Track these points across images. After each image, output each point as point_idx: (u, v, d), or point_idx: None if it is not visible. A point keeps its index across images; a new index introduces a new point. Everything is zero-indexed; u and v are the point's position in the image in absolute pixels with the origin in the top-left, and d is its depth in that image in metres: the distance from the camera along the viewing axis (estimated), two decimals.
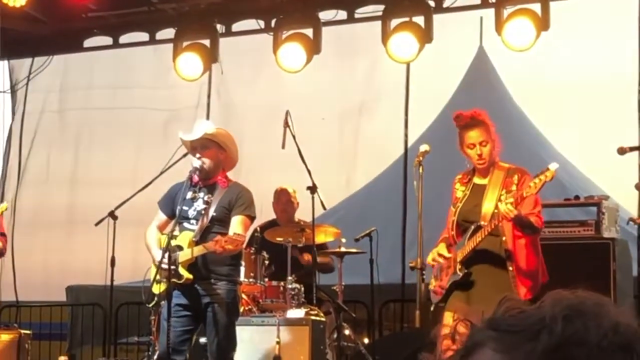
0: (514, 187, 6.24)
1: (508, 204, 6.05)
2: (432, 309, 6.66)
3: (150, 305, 7.24)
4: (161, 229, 7.24)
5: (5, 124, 12.61)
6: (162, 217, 7.25)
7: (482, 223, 6.30)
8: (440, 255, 6.58)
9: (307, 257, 9.07)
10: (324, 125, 12.21)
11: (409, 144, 11.23)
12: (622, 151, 6.96)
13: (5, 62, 12.49)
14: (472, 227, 6.29)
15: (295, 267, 8.70)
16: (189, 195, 7.05)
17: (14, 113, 12.77)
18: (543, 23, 8.85)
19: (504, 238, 6.33)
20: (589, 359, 1.31)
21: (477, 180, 6.53)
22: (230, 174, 7.26)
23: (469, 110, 6.51)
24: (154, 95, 12.75)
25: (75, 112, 13.15)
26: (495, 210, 6.24)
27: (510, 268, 6.30)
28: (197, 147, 7.03)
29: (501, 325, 1.38)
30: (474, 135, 6.42)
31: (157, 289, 7.04)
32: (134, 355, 10.98)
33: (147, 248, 7.16)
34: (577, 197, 7.52)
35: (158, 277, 7.00)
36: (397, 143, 11.62)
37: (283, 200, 9.52)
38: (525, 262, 6.34)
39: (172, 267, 6.77)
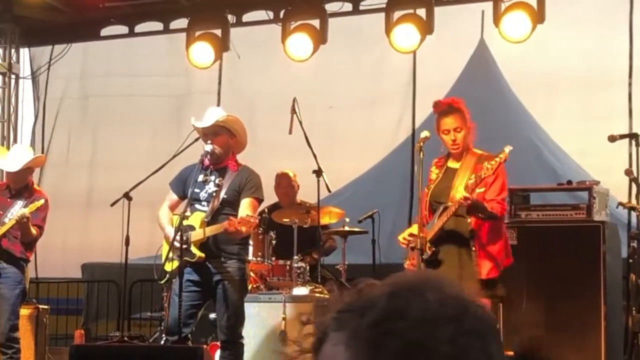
0: (482, 173, 6.25)
1: (464, 190, 6.19)
2: None
3: (162, 282, 7.31)
4: (172, 209, 7.28)
5: (24, 109, 12.63)
6: (173, 197, 7.28)
7: (448, 204, 6.38)
8: (410, 234, 6.69)
9: (314, 255, 9.13)
10: (333, 112, 12.24)
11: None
12: (612, 139, 7.03)
13: (26, 49, 12.50)
14: (441, 207, 6.37)
15: (300, 247, 8.78)
16: (201, 178, 7.09)
17: (37, 99, 12.79)
18: (539, 16, 8.88)
19: (469, 220, 6.42)
20: (410, 331, 1.31)
21: (450, 164, 6.63)
22: (240, 158, 7.30)
23: (448, 98, 6.64)
24: (168, 83, 12.77)
25: (94, 99, 13.15)
26: (456, 193, 6.35)
27: (474, 248, 6.40)
28: (208, 133, 7.06)
29: (342, 306, 1.39)
30: (449, 122, 6.52)
31: (169, 266, 7.07)
32: (147, 329, 10.98)
33: (160, 227, 7.21)
34: (569, 182, 7.54)
35: (170, 255, 7.05)
36: (401, 129, 11.67)
37: (284, 184, 9.54)
38: (487, 242, 6.43)
39: (185, 245, 6.81)
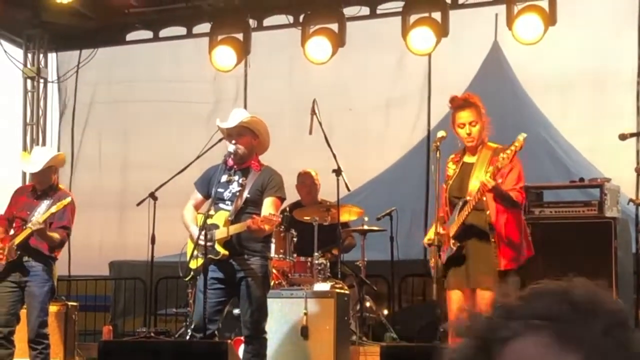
0: (499, 163, 6.23)
1: (487, 176, 6.17)
2: (434, 284, 6.71)
3: (187, 279, 7.28)
4: (197, 208, 7.26)
5: (53, 113, 12.71)
6: (198, 196, 7.27)
7: (467, 198, 6.39)
8: (436, 234, 6.62)
9: (333, 251, 9.18)
10: (351, 114, 12.28)
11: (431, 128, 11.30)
12: (623, 137, 7.04)
13: (54, 54, 12.59)
14: (460, 202, 6.37)
15: (321, 244, 8.82)
16: (225, 178, 7.08)
17: (63, 103, 12.86)
18: (550, 18, 8.92)
19: (488, 212, 6.40)
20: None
21: (466, 159, 6.62)
22: (262, 158, 7.33)
23: (464, 94, 6.67)
24: (195, 88, 12.81)
25: (122, 104, 13.18)
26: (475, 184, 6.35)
27: (493, 240, 6.36)
28: (232, 134, 7.04)
29: (525, 315, 1.31)
30: (464, 116, 6.54)
31: (193, 264, 7.04)
32: (172, 325, 11.01)
33: (184, 226, 7.18)
34: (581, 180, 7.56)
35: (195, 252, 7.05)
36: (418, 130, 11.71)
37: (308, 182, 9.57)
38: (506, 234, 6.39)
39: (209, 243, 6.84)
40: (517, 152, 6.12)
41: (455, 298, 6.48)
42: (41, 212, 7.80)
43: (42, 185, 8.09)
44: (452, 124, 6.66)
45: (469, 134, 6.55)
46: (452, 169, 6.71)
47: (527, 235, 6.60)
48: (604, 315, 1.28)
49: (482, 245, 6.45)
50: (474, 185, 6.44)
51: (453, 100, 6.68)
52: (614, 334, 1.27)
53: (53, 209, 7.77)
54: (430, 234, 6.76)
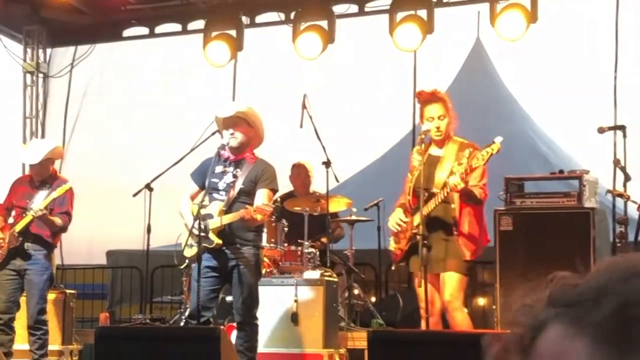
0: (464, 160, 6.38)
1: (457, 178, 6.28)
2: (393, 268, 6.87)
3: (182, 267, 7.34)
4: (193, 198, 7.26)
5: (51, 106, 12.72)
6: (194, 187, 7.29)
7: (435, 190, 6.51)
8: (400, 220, 6.80)
9: (322, 239, 9.23)
10: (341, 108, 12.33)
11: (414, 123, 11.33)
12: (601, 130, 7.12)
13: (50, 49, 12.59)
14: (426, 193, 6.44)
15: (311, 234, 8.86)
16: (219, 169, 7.11)
17: (60, 96, 12.88)
18: (532, 16, 8.97)
19: (453, 205, 6.55)
20: None
21: (433, 151, 6.71)
22: (258, 151, 7.38)
23: (430, 89, 6.77)
24: (186, 82, 12.86)
25: (115, 96, 13.25)
26: (447, 179, 6.45)
27: (456, 233, 6.53)
28: (229, 124, 7.11)
29: (562, 301, 1.26)
30: (433, 110, 6.65)
31: (188, 252, 7.10)
32: (168, 312, 11.02)
33: (180, 215, 7.23)
34: (561, 172, 7.56)
35: (190, 241, 7.11)
36: (404, 124, 11.71)
37: (303, 174, 9.63)
38: (469, 228, 6.57)
39: (203, 233, 6.86)
40: (492, 156, 6.23)
41: (418, 286, 6.62)
42: (41, 199, 7.85)
43: (40, 176, 8.13)
44: (421, 117, 6.78)
45: (437, 128, 6.66)
46: (417, 160, 6.79)
47: (485, 226, 6.79)
48: (613, 296, 1.20)
49: (446, 236, 6.62)
50: (440, 177, 6.57)
51: (420, 94, 6.79)
52: (626, 314, 1.19)
53: (54, 194, 7.81)
54: (395, 218, 6.87)
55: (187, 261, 7.19)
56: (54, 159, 8.27)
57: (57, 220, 7.91)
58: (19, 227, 7.85)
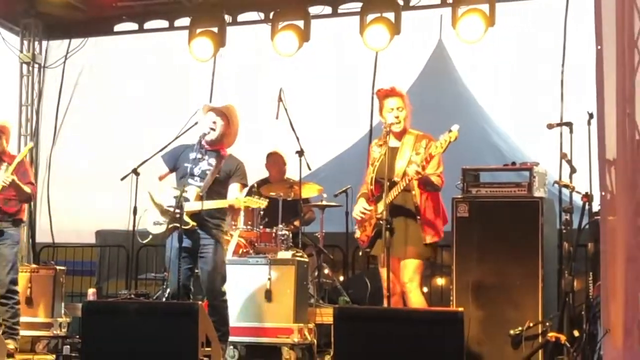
0: (421, 150, 6.57)
1: (415, 167, 6.44)
2: (360, 254, 7.02)
3: (144, 241, 7.37)
4: (161, 179, 7.39)
5: (46, 95, 12.68)
6: (164, 168, 7.38)
7: (396, 179, 6.62)
8: (364, 209, 6.95)
9: (295, 222, 9.31)
10: (315, 102, 12.40)
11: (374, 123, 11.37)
12: (550, 126, 7.19)
13: (45, 42, 12.56)
14: (388, 183, 6.53)
15: (284, 217, 8.97)
16: (197, 156, 7.19)
17: (54, 87, 12.85)
18: (490, 20, 9.04)
19: (413, 192, 6.69)
20: None
21: (391, 143, 6.78)
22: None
23: (389, 86, 6.90)
24: (169, 73, 12.91)
25: (104, 86, 13.25)
26: (407, 168, 6.59)
27: (418, 217, 6.69)
28: (212, 114, 7.26)
29: None
30: (392, 102, 6.80)
31: (156, 229, 7.19)
32: (151, 288, 11.06)
33: (148, 193, 7.28)
34: (513, 164, 7.62)
35: (159, 219, 7.17)
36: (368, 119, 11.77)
37: (280, 161, 9.71)
38: (428, 213, 6.75)
39: (178, 215, 6.95)
40: (451, 143, 6.37)
41: (382, 267, 6.72)
42: (3, 170, 7.81)
43: None
44: (380, 110, 6.89)
45: (397, 117, 6.78)
46: (377, 152, 6.92)
47: (444, 211, 6.94)
48: None
49: (408, 222, 6.75)
50: (400, 167, 6.69)
51: (379, 91, 6.93)
52: None
53: (18, 159, 7.84)
54: (359, 207, 6.99)
55: (150, 236, 7.26)
56: (5, 135, 8.25)
57: (26, 188, 7.90)
58: None
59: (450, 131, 6.35)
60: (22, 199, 7.98)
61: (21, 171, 7.88)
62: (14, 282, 8.06)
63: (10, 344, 7.97)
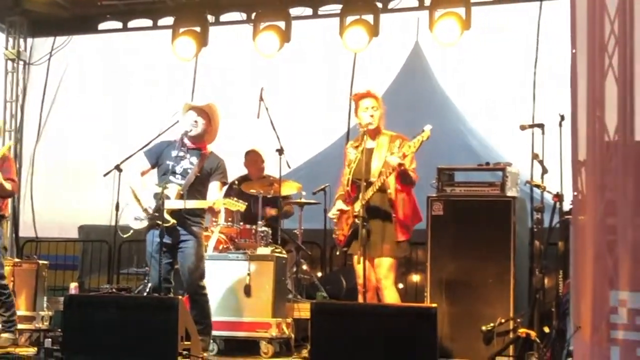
0: (395, 150, 6.60)
1: (396, 158, 6.49)
2: (337, 253, 7.07)
3: (125, 235, 7.30)
4: (142, 174, 7.33)
5: (30, 92, 12.63)
6: (145, 164, 7.31)
7: (372, 179, 6.67)
8: (339, 210, 6.98)
9: (269, 211, 9.34)
10: (295, 102, 12.41)
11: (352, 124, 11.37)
12: (523, 128, 7.24)
13: (30, 39, 12.51)
14: (364, 183, 6.57)
15: (264, 214, 8.94)
16: (178, 154, 7.19)
17: (39, 83, 12.80)
18: (466, 23, 9.07)
19: (389, 191, 6.72)
20: None
21: (367, 144, 6.80)
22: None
23: (365, 89, 6.97)
24: (152, 72, 12.88)
25: (88, 84, 13.22)
26: (383, 169, 6.63)
27: (394, 215, 6.74)
28: (194, 113, 7.26)
29: None
30: (367, 102, 6.86)
31: (136, 225, 7.18)
32: (133, 282, 11.03)
33: (130, 189, 7.21)
34: (487, 164, 7.64)
35: (140, 215, 7.14)
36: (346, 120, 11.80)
37: (259, 160, 9.65)
38: (403, 211, 6.79)
39: (159, 211, 6.93)
40: (423, 142, 6.42)
41: (357, 263, 6.80)
42: None
43: None
44: (356, 111, 6.93)
45: (371, 116, 6.82)
46: (353, 153, 6.95)
47: (417, 208, 6.96)
48: None
49: (384, 223, 6.78)
50: (376, 167, 6.73)
51: (356, 95, 6.99)
52: None
53: None
54: (335, 209, 7.06)
55: (131, 231, 7.24)
56: None
57: (7, 184, 7.78)
58: None
59: (423, 131, 6.41)
60: (3, 194, 7.90)
61: (4, 167, 7.81)
62: (2, 277, 8.00)
63: (6, 336, 7.93)
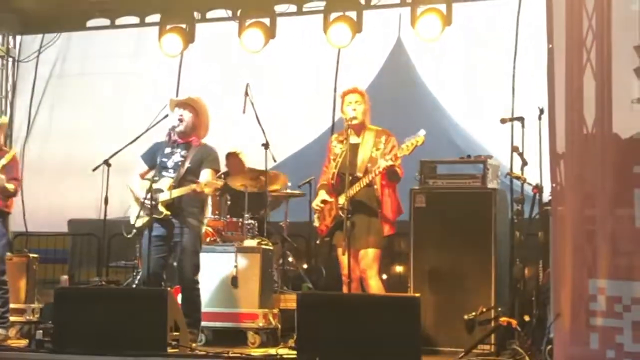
0: (381, 145, 6.71)
1: (385, 162, 6.58)
2: (317, 242, 7.11)
3: (129, 235, 7.35)
4: (142, 177, 7.38)
5: (20, 89, 12.58)
6: (143, 167, 7.38)
7: (358, 174, 6.74)
8: (323, 201, 7.01)
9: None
10: (280, 97, 12.41)
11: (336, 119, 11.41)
12: (503, 121, 7.26)
13: (19, 36, 12.44)
14: (350, 177, 6.64)
15: (251, 207, 8.94)
16: (169, 150, 7.25)
17: (27, 80, 12.75)
18: (447, 19, 9.06)
19: (376, 187, 6.78)
20: None
21: (352, 139, 6.87)
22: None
23: (351, 87, 7.05)
24: (138, 68, 12.86)
25: (76, 80, 13.18)
26: (369, 164, 6.68)
27: (379, 211, 6.80)
28: (180, 107, 7.26)
29: None
30: (352, 97, 6.93)
31: (138, 223, 7.19)
32: (122, 276, 10.93)
33: (130, 191, 7.32)
34: (468, 156, 7.65)
35: (141, 213, 7.18)
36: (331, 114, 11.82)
37: (237, 162, 9.61)
38: (389, 207, 6.87)
39: (154, 204, 6.96)
40: (417, 147, 6.48)
41: (342, 254, 6.85)
42: None
43: None
44: (341, 107, 6.99)
45: (354, 110, 6.87)
46: (338, 147, 6.98)
47: (399, 201, 7.04)
48: None
49: (369, 217, 6.85)
50: (362, 162, 6.77)
51: (343, 92, 7.06)
52: None
53: (3, 161, 7.77)
54: (318, 200, 7.10)
55: (134, 230, 7.24)
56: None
57: (11, 186, 7.82)
58: None
59: (417, 135, 6.45)
60: (5, 195, 7.89)
61: (7, 167, 7.79)
62: (3, 273, 7.99)
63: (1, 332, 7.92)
